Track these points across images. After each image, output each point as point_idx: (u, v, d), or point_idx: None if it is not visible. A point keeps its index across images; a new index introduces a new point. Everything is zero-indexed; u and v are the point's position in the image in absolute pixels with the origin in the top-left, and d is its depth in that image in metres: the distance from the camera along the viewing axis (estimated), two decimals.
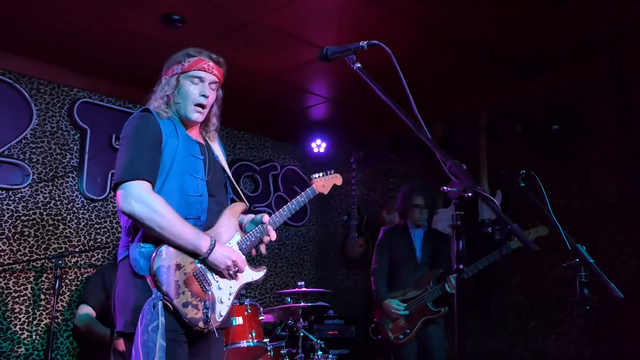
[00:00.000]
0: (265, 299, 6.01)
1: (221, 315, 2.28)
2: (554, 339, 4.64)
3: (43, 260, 4.52)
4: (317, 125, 6.34)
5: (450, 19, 4.07)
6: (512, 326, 4.90)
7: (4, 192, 4.46)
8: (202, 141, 2.52)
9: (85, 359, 4.48)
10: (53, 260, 4.31)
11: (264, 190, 6.20)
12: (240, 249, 2.42)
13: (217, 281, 2.30)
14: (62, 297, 4.60)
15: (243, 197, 2.56)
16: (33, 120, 4.62)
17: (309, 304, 4.21)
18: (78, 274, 4.73)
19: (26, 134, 4.60)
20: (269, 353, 4.04)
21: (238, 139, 6.14)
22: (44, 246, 4.59)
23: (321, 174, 2.89)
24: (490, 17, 4.05)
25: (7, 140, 4.49)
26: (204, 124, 2.54)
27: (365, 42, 2.02)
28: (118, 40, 4.35)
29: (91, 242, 4.85)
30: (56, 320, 4.50)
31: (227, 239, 2.39)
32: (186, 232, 2.20)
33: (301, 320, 4.23)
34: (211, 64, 2.44)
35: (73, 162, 4.86)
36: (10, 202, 4.48)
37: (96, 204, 4.93)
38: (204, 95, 2.41)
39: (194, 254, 2.24)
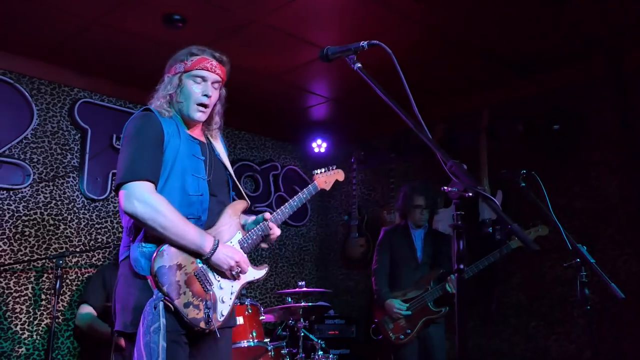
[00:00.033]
0: (265, 299, 6.01)
1: (222, 315, 2.27)
2: (555, 338, 4.64)
3: (44, 260, 4.53)
4: (318, 125, 6.34)
5: (451, 19, 4.07)
6: (512, 326, 4.90)
7: (5, 192, 4.47)
8: (204, 140, 2.50)
9: (87, 359, 4.48)
10: (54, 260, 4.32)
11: (265, 190, 6.20)
12: (241, 248, 2.40)
13: (219, 281, 2.29)
14: (62, 297, 4.60)
15: (244, 195, 2.54)
16: (34, 120, 4.63)
17: (310, 304, 4.21)
18: (79, 274, 4.73)
19: (27, 134, 4.60)
20: (270, 353, 4.04)
21: (239, 139, 6.15)
22: (44, 246, 4.59)
23: (323, 170, 2.88)
24: (490, 17, 4.05)
25: (7, 140, 4.49)
26: (207, 123, 2.52)
27: (365, 42, 2.01)
28: (119, 40, 4.35)
29: (92, 242, 4.85)
30: (57, 320, 4.50)
31: (229, 237, 2.38)
32: (189, 232, 2.19)
33: (302, 320, 4.23)
34: (214, 62, 2.41)
35: (74, 162, 4.86)
36: (11, 202, 4.48)
37: (97, 204, 4.93)
38: (206, 95, 2.39)
39: (196, 254, 2.23)
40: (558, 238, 2.66)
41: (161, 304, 2.07)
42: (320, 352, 4.26)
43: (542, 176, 2.90)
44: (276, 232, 2.50)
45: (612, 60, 4.54)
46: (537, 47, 4.47)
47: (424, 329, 4.13)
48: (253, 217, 2.56)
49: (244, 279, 2.39)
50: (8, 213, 4.45)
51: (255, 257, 5.80)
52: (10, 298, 4.37)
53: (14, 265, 4.39)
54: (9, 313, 4.35)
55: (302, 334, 4.23)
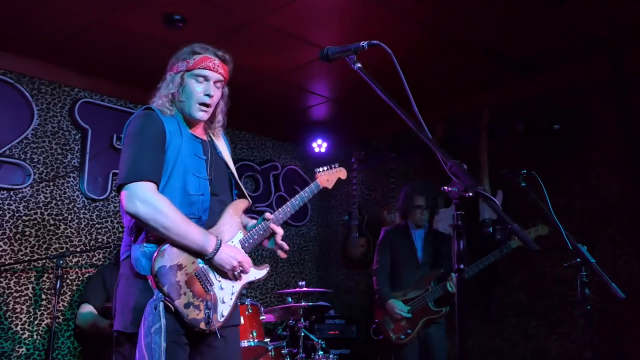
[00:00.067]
0: (266, 299, 6.01)
1: (223, 316, 2.25)
2: (555, 338, 4.64)
3: (44, 260, 4.53)
4: (318, 125, 6.34)
5: (451, 19, 4.07)
6: (513, 326, 4.90)
7: (5, 192, 4.47)
8: (206, 138, 2.48)
9: (88, 359, 4.48)
10: (54, 260, 4.32)
11: (265, 190, 6.21)
12: (242, 247, 2.38)
13: (219, 281, 2.28)
14: (63, 297, 4.60)
15: (246, 194, 2.52)
16: (34, 120, 4.63)
17: (310, 304, 4.21)
18: (79, 274, 4.73)
19: (27, 134, 4.60)
20: (270, 353, 4.04)
21: (239, 139, 6.15)
22: (45, 246, 4.59)
23: (325, 168, 2.84)
24: (490, 17, 4.04)
25: (8, 140, 4.49)
26: (210, 121, 2.50)
27: (365, 42, 2.01)
28: (119, 40, 4.35)
29: (92, 242, 4.85)
30: (57, 320, 4.50)
31: (230, 237, 2.36)
32: (191, 232, 2.17)
33: (302, 320, 4.23)
34: (217, 62, 2.39)
35: (74, 162, 4.86)
36: (12, 202, 4.48)
37: (97, 203, 4.93)
38: (208, 95, 2.37)
39: (198, 254, 2.21)
40: (558, 238, 2.66)
41: (161, 305, 2.05)
42: (321, 352, 4.26)
43: (543, 176, 2.91)
44: (279, 231, 2.48)
45: (612, 60, 4.54)
46: (537, 47, 4.47)
47: (424, 329, 4.13)
48: (254, 222, 2.53)
49: (245, 279, 2.38)
50: (8, 213, 4.45)
51: (256, 256, 5.80)
52: (10, 298, 4.37)
53: (15, 265, 4.39)
54: (9, 313, 4.35)
55: (303, 333, 4.23)
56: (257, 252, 5.78)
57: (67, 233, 4.72)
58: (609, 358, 4.27)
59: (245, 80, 4.99)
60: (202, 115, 2.39)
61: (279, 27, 4.20)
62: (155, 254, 2.12)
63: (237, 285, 2.34)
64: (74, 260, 4.72)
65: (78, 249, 4.75)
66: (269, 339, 4.13)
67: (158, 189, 2.21)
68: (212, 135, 2.53)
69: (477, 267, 4.05)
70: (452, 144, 5.33)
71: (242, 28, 4.18)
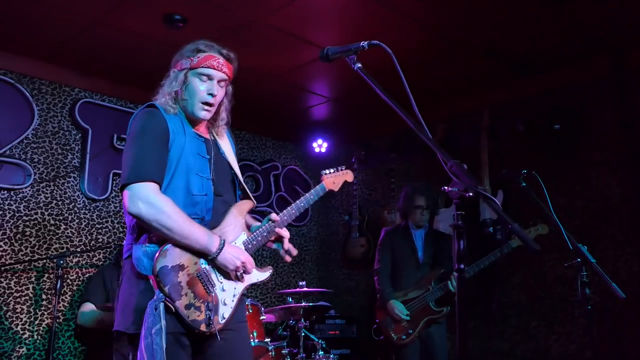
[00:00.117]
0: (266, 299, 6.02)
1: (224, 318, 2.22)
2: (555, 338, 4.64)
3: (44, 260, 4.53)
4: (319, 125, 6.35)
5: (451, 19, 4.07)
6: (513, 326, 4.90)
7: (6, 192, 4.47)
8: (209, 137, 2.44)
9: (90, 358, 4.47)
10: (54, 260, 4.32)
11: (265, 190, 6.21)
12: (246, 249, 2.35)
13: (222, 282, 2.25)
14: (63, 297, 4.60)
15: (250, 194, 2.49)
16: (34, 120, 4.63)
17: (310, 304, 4.21)
18: (79, 274, 4.74)
19: (28, 134, 4.61)
20: (270, 353, 4.04)
21: (239, 139, 6.15)
22: (45, 246, 4.59)
23: (332, 170, 2.79)
24: (490, 17, 4.05)
25: (8, 140, 4.50)
26: (213, 119, 2.46)
27: (366, 42, 2.00)
28: (119, 40, 4.35)
29: (92, 242, 4.85)
30: (58, 320, 4.50)
31: (233, 238, 2.33)
32: (195, 233, 2.15)
33: (302, 320, 4.23)
34: (221, 60, 2.35)
35: (74, 162, 4.86)
36: (12, 202, 4.48)
37: (97, 204, 4.94)
38: (211, 94, 2.34)
39: (201, 254, 2.19)
40: (559, 238, 2.66)
41: (162, 305, 2.03)
42: (321, 352, 4.26)
43: (543, 176, 2.90)
44: (285, 235, 2.45)
45: (612, 60, 4.54)
46: (538, 47, 4.47)
47: (425, 329, 4.13)
48: (258, 223, 2.50)
49: (248, 280, 2.35)
50: (9, 213, 4.45)
51: (256, 257, 5.79)
52: (11, 298, 4.37)
53: (15, 265, 4.40)
54: (9, 313, 4.35)
55: (303, 334, 4.23)
56: (258, 252, 5.77)
57: (68, 233, 4.73)
58: (609, 358, 4.27)
59: (246, 80, 4.98)
60: (205, 114, 2.36)
61: (279, 27, 4.20)
62: (157, 254, 2.11)
63: (240, 287, 2.32)
64: (75, 260, 4.73)
65: (78, 249, 4.75)
66: (269, 339, 4.13)
67: (161, 189, 2.19)
68: (215, 134, 2.50)
69: (477, 266, 4.05)
70: (453, 144, 5.33)
71: (242, 28, 4.18)
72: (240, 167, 6.41)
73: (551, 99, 4.89)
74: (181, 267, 2.15)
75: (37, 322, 4.46)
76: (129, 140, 2.25)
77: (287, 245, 2.47)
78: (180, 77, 2.33)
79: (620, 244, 4.40)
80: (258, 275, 2.41)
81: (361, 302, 6.09)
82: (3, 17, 4.01)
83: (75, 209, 4.80)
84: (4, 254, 4.37)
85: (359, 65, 2.02)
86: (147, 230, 2.17)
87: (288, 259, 2.50)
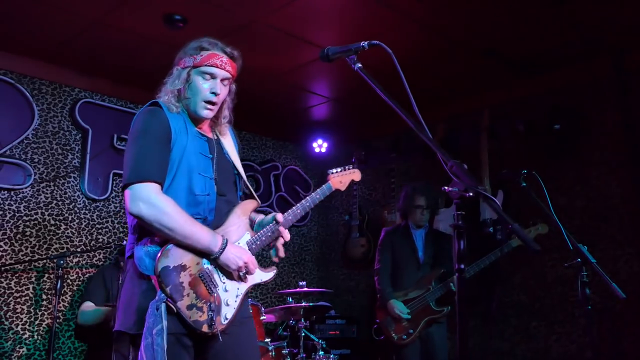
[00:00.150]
0: (266, 299, 6.02)
1: (226, 319, 2.19)
2: (556, 338, 4.64)
3: (45, 260, 4.53)
4: (319, 125, 6.35)
5: (451, 19, 4.07)
6: (513, 326, 4.90)
7: (6, 192, 4.47)
8: (212, 136, 2.42)
9: (91, 358, 4.47)
10: (55, 260, 4.32)
11: (266, 190, 6.21)
12: (249, 249, 2.33)
13: (224, 283, 2.23)
14: (63, 297, 4.60)
15: (254, 194, 2.47)
16: (35, 120, 4.63)
17: (311, 304, 4.22)
18: (79, 274, 4.74)
19: (28, 134, 4.61)
20: (271, 353, 4.04)
21: (239, 139, 6.13)
22: (45, 246, 4.59)
23: (339, 169, 2.74)
24: (490, 17, 4.05)
25: (9, 140, 4.50)
26: (215, 117, 2.43)
27: (366, 42, 2.00)
28: (120, 40, 4.35)
29: (92, 242, 4.85)
30: (58, 320, 4.51)
31: (237, 238, 2.31)
32: (197, 232, 2.14)
33: (303, 320, 4.23)
34: (224, 59, 2.33)
35: (74, 162, 4.86)
36: (12, 202, 4.48)
37: (97, 204, 4.94)
38: (214, 93, 2.31)
39: (204, 254, 2.18)
40: (559, 238, 2.66)
41: (163, 306, 2.02)
42: (321, 352, 4.26)
43: (543, 176, 2.90)
44: (286, 237, 2.42)
45: (612, 60, 4.54)
46: (538, 47, 4.47)
47: (426, 329, 4.13)
48: (262, 217, 2.49)
49: (251, 281, 2.33)
50: (9, 213, 4.45)
51: (256, 257, 5.80)
52: (11, 298, 4.37)
53: (15, 266, 4.40)
54: (10, 313, 4.35)
55: (303, 334, 4.23)
56: (260, 252, 5.77)
57: (68, 233, 4.73)
58: (609, 358, 4.27)
59: (246, 80, 4.93)
60: (208, 113, 2.34)
61: (279, 27, 4.20)
62: (159, 254, 2.09)
63: (243, 288, 2.29)
64: (75, 260, 4.73)
65: (78, 249, 4.75)
66: (269, 339, 4.13)
67: (162, 189, 2.17)
68: (218, 133, 2.48)
69: (477, 266, 4.06)
70: (453, 144, 5.34)
71: (242, 28, 4.18)
72: None
73: (551, 99, 4.89)
74: (183, 268, 2.13)
75: (37, 322, 4.46)
76: (130, 140, 2.23)
77: (279, 245, 2.44)
78: (183, 75, 2.31)
79: (620, 244, 4.40)
80: (262, 276, 2.39)
81: (361, 302, 6.09)
82: (3, 17, 4.01)
83: (76, 209, 4.80)
84: (4, 254, 4.37)
85: (359, 65, 2.01)
86: (149, 231, 2.15)
87: (275, 259, 2.47)
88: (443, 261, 4.27)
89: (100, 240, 4.90)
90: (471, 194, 1.65)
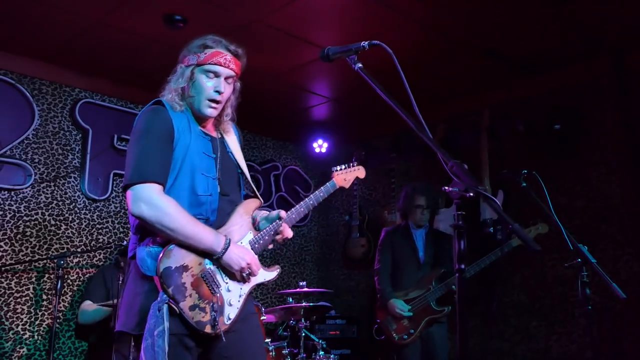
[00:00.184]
0: (267, 299, 6.02)
1: (229, 319, 2.18)
2: (556, 338, 4.64)
3: (45, 261, 4.53)
4: (319, 125, 6.35)
5: (452, 19, 4.07)
6: (513, 326, 4.90)
7: (6, 192, 4.47)
8: (216, 135, 2.40)
9: (92, 357, 4.47)
10: (55, 261, 4.32)
11: (266, 190, 6.21)
12: (252, 248, 2.32)
13: (227, 283, 2.21)
14: (64, 298, 4.60)
15: (257, 193, 2.45)
16: (35, 120, 4.63)
17: (311, 304, 4.21)
18: (80, 274, 4.74)
19: (28, 135, 4.61)
20: (271, 353, 4.04)
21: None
22: (45, 246, 4.59)
23: (343, 167, 2.71)
24: (490, 17, 4.05)
25: (9, 140, 4.50)
26: (218, 115, 2.40)
27: (366, 42, 1.99)
28: (120, 40, 4.35)
29: (93, 242, 4.85)
30: (58, 320, 4.51)
31: (239, 237, 2.30)
32: (199, 233, 2.12)
33: (303, 321, 4.23)
34: (228, 57, 2.30)
35: (75, 163, 4.86)
36: (12, 203, 4.48)
37: (98, 204, 4.94)
38: (218, 91, 2.28)
39: (206, 254, 2.16)
40: (559, 238, 2.66)
41: (165, 307, 2.00)
42: (322, 352, 4.26)
43: (543, 176, 2.91)
44: (287, 233, 2.41)
45: (612, 60, 4.54)
46: (538, 47, 4.47)
47: (426, 328, 4.13)
48: (265, 213, 2.47)
49: (254, 280, 2.32)
50: (9, 213, 4.45)
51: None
52: (11, 298, 4.37)
53: (16, 266, 4.40)
54: (10, 313, 4.35)
55: (303, 334, 4.23)
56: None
57: (68, 233, 4.73)
58: (609, 358, 4.27)
59: (246, 80, 4.96)
60: (211, 111, 2.32)
61: (279, 27, 4.20)
62: (161, 255, 2.08)
63: (245, 288, 2.28)
64: (75, 260, 4.73)
65: (79, 250, 4.75)
66: (269, 340, 4.13)
67: (164, 189, 2.15)
68: (222, 131, 2.46)
69: (478, 266, 4.06)
70: (453, 144, 5.34)
71: (242, 28, 4.18)
72: None
73: (551, 99, 4.89)
74: (185, 268, 2.11)
75: (37, 322, 4.46)
76: (133, 139, 2.22)
77: (278, 241, 2.42)
78: (187, 74, 2.29)
79: (620, 244, 4.40)
80: (265, 275, 2.38)
81: (362, 302, 6.09)
82: (3, 17, 4.01)
83: (76, 209, 4.80)
84: (4, 254, 4.38)
85: (360, 65, 2.01)
86: (151, 231, 2.14)
87: (270, 245, 2.44)
88: (443, 261, 4.27)
89: (101, 240, 4.90)
90: (471, 194, 1.64)
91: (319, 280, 6.56)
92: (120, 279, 3.81)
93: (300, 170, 6.60)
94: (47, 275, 4.56)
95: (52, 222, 4.66)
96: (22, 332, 4.38)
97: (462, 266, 1.69)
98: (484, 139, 5.10)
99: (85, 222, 4.84)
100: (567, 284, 4.61)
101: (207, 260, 2.18)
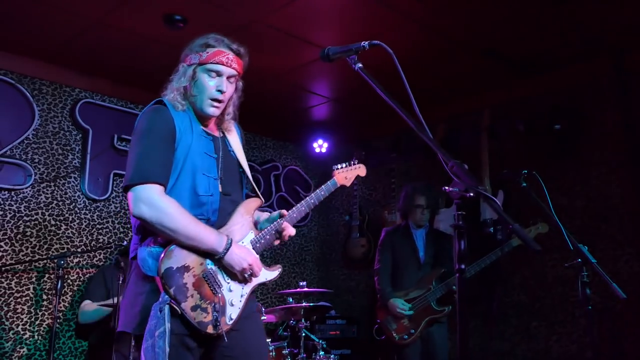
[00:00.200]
0: (267, 299, 6.01)
1: (231, 319, 2.18)
2: (556, 339, 4.64)
3: (45, 261, 4.53)
4: (319, 125, 6.35)
5: (452, 19, 4.07)
6: (513, 326, 4.90)
7: (6, 192, 4.47)
8: (218, 134, 2.39)
9: (93, 357, 4.47)
10: (55, 261, 4.32)
11: (266, 190, 6.21)
12: (253, 247, 2.31)
13: (229, 283, 2.21)
14: (64, 298, 4.60)
15: (258, 192, 2.44)
16: (35, 120, 4.63)
17: (311, 304, 4.21)
18: (80, 274, 4.74)
19: (28, 135, 4.61)
20: (271, 353, 4.04)
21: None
22: (46, 246, 4.59)
23: (344, 165, 2.70)
24: (491, 17, 4.05)
25: (9, 140, 4.50)
26: (220, 114, 2.39)
27: (366, 42, 1.99)
28: (120, 40, 4.35)
29: (93, 242, 4.85)
30: (58, 320, 4.51)
31: (240, 237, 2.29)
32: (200, 233, 2.12)
33: (303, 321, 4.23)
34: (231, 56, 2.29)
35: (75, 163, 4.86)
36: (13, 203, 4.48)
37: (98, 204, 4.94)
38: (220, 91, 2.27)
39: (208, 254, 2.16)
40: (559, 238, 2.66)
41: (167, 308, 2.00)
42: (322, 353, 4.26)
43: (543, 176, 2.91)
44: (290, 231, 2.39)
45: (612, 60, 4.54)
46: (538, 47, 4.47)
47: (427, 328, 4.13)
48: (267, 215, 2.47)
49: (256, 280, 2.31)
50: (9, 213, 4.45)
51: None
52: (11, 298, 4.37)
53: (16, 266, 4.40)
54: (10, 313, 4.35)
55: (304, 334, 4.23)
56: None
57: (68, 233, 4.73)
58: (610, 358, 4.27)
59: (246, 80, 4.96)
60: (214, 111, 2.31)
61: (279, 27, 4.20)
62: (163, 255, 2.07)
63: (247, 288, 2.27)
64: (75, 260, 4.73)
65: (79, 250, 4.75)
66: (270, 340, 4.13)
67: (165, 190, 2.15)
68: (224, 130, 2.45)
69: (478, 266, 4.06)
70: (453, 144, 5.34)
71: (242, 28, 4.18)
72: None
73: (551, 99, 4.89)
74: (187, 268, 2.11)
75: (37, 322, 4.46)
76: (134, 139, 2.21)
77: (284, 238, 2.40)
78: (189, 73, 2.28)
79: (620, 244, 4.40)
80: (267, 275, 2.37)
81: (362, 302, 6.09)
82: (3, 17, 4.01)
83: (76, 209, 4.80)
84: (4, 254, 4.38)
85: (360, 65, 2.01)
86: (152, 231, 2.13)
87: (276, 242, 2.43)
88: (444, 261, 4.27)
89: (101, 240, 4.90)
90: (472, 194, 1.64)
91: (319, 280, 6.56)
92: (121, 279, 3.81)
93: (300, 170, 6.60)
94: (47, 275, 4.56)
95: (52, 222, 4.66)
96: (22, 332, 4.38)
97: (463, 266, 1.69)
98: (484, 139, 5.10)
99: (85, 222, 4.84)
100: (567, 284, 4.61)
101: (208, 261, 2.18)
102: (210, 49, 2.28)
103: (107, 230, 4.96)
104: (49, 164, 4.71)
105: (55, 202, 4.70)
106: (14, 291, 4.39)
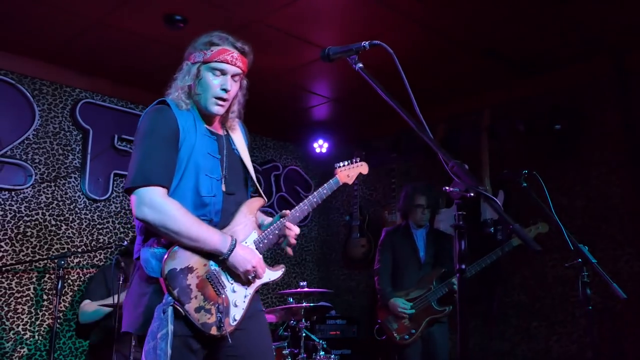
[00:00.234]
0: (267, 299, 6.02)
1: (235, 320, 2.16)
2: (556, 339, 4.64)
3: (45, 261, 4.53)
4: (319, 125, 6.35)
5: (452, 19, 4.07)
6: (514, 326, 4.90)
7: (7, 192, 4.47)
8: (222, 133, 2.38)
9: (93, 357, 4.47)
10: (55, 261, 4.32)
11: (266, 190, 6.20)
12: (257, 247, 2.30)
13: (232, 284, 2.20)
14: (64, 298, 4.60)
15: (261, 191, 2.42)
16: (35, 120, 4.63)
17: (311, 304, 4.21)
18: (80, 275, 4.74)
19: (28, 135, 4.61)
20: None
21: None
22: (46, 247, 4.60)
23: (346, 163, 2.69)
24: (491, 17, 4.05)
25: (9, 140, 4.50)
26: (225, 113, 2.37)
27: (367, 42, 1.99)
28: (120, 40, 4.35)
29: (93, 242, 4.85)
30: (58, 320, 4.51)
31: (244, 237, 2.27)
32: (203, 234, 2.10)
33: (303, 321, 4.22)
34: (235, 54, 2.27)
35: (75, 163, 4.86)
36: (13, 203, 4.48)
37: (98, 204, 4.94)
38: (224, 89, 2.26)
39: (211, 255, 2.15)
40: (559, 238, 2.66)
41: (170, 309, 1.99)
42: (322, 353, 4.26)
43: (544, 176, 2.90)
44: (295, 230, 2.38)
45: (612, 60, 4.55)
46: (538, 47, 4.47)
47: (427, 329, 4.13)
48: (270, 219, 2.46)
49: (259, 281, 2.29)
50: (10, 214, 4.46)
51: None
52: (12, 298, 4.37)
53: (16, 266, 4.40)
54: (10, 313, 4.35)
55: (304, 334, 4.23)
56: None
57: (69, 234, 4.73)
58: (610, 358, 4.27)
59: (247, 80, 4.99)
60: (218, 109, 2.29)
61: (280, 28, 4.20)
62: (166, 256, 2.06)
63: (251, 288, 2.26)
64: (75, 260, 4.73)
65: (79, 250, 4.75)
66: None
67: (169, 190, 2.14)
68: (228, 128, 2.43)
69: (479, 265, 4.06)
70: (453, 144, 5.33)
71: (243, 28, 4.17)
72: None
73: (551, 99, 4.89)
74: (190, 270, 2.10)
75: (38, 322, 4.46)
76: (137, 140, 2.20)
77: (292, 241, 2.39)
78: (193, 71, 2.26)
79: (620, 244, 4.40)
80: (270, 275, 2.35)
81: (362, 302, 6.09)
82: (3, 17, 4.02)
83: (76, 209, 4.81)
84: (5, 254, 4.38)
85: (360, 65, 2.01)
86: (155, 233, 2.12)
87: (290, 251, 2.42)
88: (444, 261, 4.27)
89: (101, 240, 4.91)
90: (472, 194, 1.64)
91: (320, 280, 6.56)
92: (121, 278, 3.81)
93: (300, 170, 6.60)
94: (47, 276, 4.57)
95: (53, 222, 4.66)
96: (22, 332, 4.38)
97: (463, 266, 1.69)
98: (484, 139, 5.10)
99: (85, 222, 4.84)
100: (567, 284, 4.61)
101: (211, 262, 2.17)
102: (215, 47, 2.26)
103: (108, 230, 4.96)
104: (49, 164, 4.71)
105: (55, 202, 4.70)
106: (14, 291, 4.39)
